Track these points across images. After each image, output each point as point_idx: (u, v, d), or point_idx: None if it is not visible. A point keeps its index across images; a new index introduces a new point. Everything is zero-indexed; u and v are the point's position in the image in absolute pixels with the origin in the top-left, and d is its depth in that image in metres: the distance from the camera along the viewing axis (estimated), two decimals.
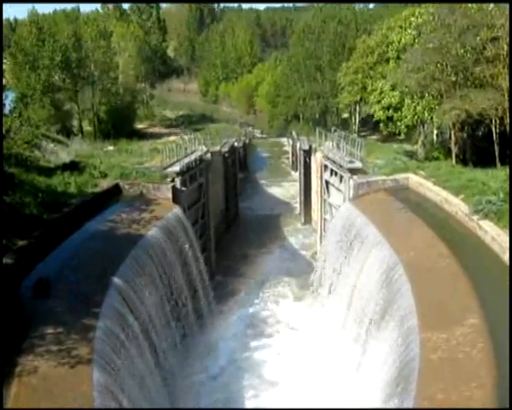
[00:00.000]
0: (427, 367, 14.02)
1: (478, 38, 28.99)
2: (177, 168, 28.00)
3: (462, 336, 15.00)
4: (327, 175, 32.58)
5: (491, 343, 14.47)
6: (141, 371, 17.29)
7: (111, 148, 42.78)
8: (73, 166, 28.34)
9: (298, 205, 43.81)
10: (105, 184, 27.09)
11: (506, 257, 18.65)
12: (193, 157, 30.80)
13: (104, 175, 28.01)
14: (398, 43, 41.62)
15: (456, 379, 13.41)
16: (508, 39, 27.50)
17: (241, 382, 23.14)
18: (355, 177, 28.00)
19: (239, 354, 25.20)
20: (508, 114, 28.27)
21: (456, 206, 23.62)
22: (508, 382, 12.35)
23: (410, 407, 12.78)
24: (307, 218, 40.82)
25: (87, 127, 60.45)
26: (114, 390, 14.34)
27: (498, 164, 29.00)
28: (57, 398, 12.81)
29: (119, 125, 60.09)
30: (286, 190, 50.84)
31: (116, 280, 18.37)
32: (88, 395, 13.14)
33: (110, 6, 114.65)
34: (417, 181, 27.81)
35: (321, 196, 33.94)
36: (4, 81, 21.28)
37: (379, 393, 16.32)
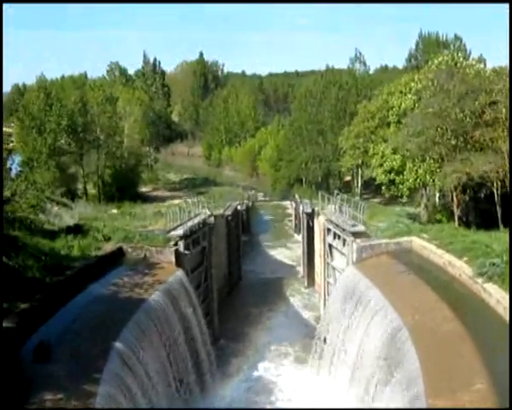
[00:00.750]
0: None
1: (476, 102, 29.57)
2: (180, 232, 28.11)
3: (469, 403, 14.70)
4: (330, 238, 32.61)
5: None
6: None
7: (115, 211, 43.00)
8: (77, 230, 28.43)
9: (301, 268, 43.65)
10: (108, 247, 27.14)
11: None
12: (196, 221, 30.95)
13: (107, 238, 28.09)
14: (399, 107, 42.43)
15: None
16: (507, 102, 28.00)
17: None
18: (358, 240, 28.02)
19: None
20: (509, 177, 28.51)
21: (460, 268, 23.54)
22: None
23: None
24: (310, 281, 40.60)
25: (91, 190, 61.00)
26: None
27: (501, 226, 29.05)
28: None
29: (123, 188, 60.66)
30: (289, 252, 50.74)
31: (118, 345, 18.19)
32: None
33: (116, 73, 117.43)
34: (420, 244, 27.79)
35: (324, 260, 33.86)
36: (11, 145, 21.61)
37: None
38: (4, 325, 16.92)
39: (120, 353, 17.98)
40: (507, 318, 18.80)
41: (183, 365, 24.00)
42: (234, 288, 41.40)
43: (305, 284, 41.23)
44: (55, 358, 16.63)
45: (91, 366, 16.67)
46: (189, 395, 23.94)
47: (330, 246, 32.67)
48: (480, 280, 21.73)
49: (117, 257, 26.60)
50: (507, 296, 19.81)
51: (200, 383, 25.68)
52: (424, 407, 14.86)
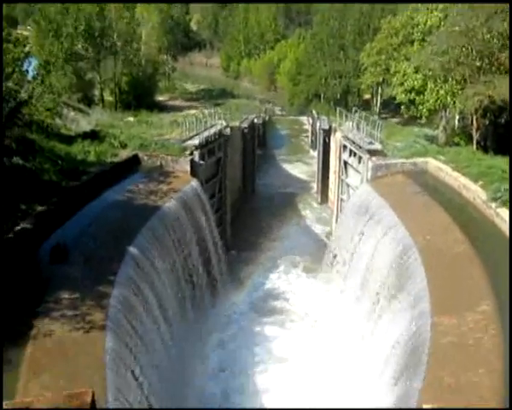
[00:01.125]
0: (437, 351, 14.08)
1: (505, 23, 28.49)
2: (196, 142, 28.09)
3: (473, 322, 15.01)
4: (345, 155, 32.46)
5: (503, 330, 14.47)
6: (153, 340, 17.53)
7: (131, 119, 42.84)
8: (94, 136, 28.48)
9: (315, 184, 43.74)
10: (124, 154, 27.24)
11: None
12: (212, 131, 30.84)
13: (124, 145, 28.15)
14: (424, 25, 40.99)
15: (465, 364, 13.46)
16: None
17: (250, 356, 23.39)
18: (374, 158, 27.88)
19: (249, 329, 25.46)
20: None
21: (475, 192, 23.46)
22: None
23: (419, 388, 12.83)
24: (324, 197, 40.79)
25: (108, 97, 60.55)
26: (126, 357, 14.59)
27: None
28: (71, 361, 13.08)
29: (139, 96, 60.14)
30: (304, 168, 50.72)
31: (132, 249, 18.58)
32: (100, 360, 13.40)
33: None
34: (436, 166, 27.61)
35: (338, 176, 33.86)
36: (28, 48, 21.34)
37: (389, 373, 16.43)
38: (22, 226, 17.29)
39: (134, 257, 18.39)
40: None
41: (195, 271, 24.55)
42: (247, 200, 41.72)
43: (319, 200, 41.45)
44: (71, 260, 17.08)
45: (106, 269, 17.12)
46: (199, 300, 24.63)
47: (345, 163, 32.58)
48: (493, 205, 21.70)
49: (133, 164, 26.74)
50: None
51: (212, 289, 26.38)
52: (429, 323, 15.19)
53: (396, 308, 18.73)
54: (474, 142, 31.05)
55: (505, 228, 20.22)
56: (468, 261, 18.19)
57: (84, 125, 33.01)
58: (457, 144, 32.19)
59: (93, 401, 10.81)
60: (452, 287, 16.86)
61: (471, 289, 16.61)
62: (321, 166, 40.88)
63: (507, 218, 20.47)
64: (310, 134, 59.47)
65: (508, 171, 24.08)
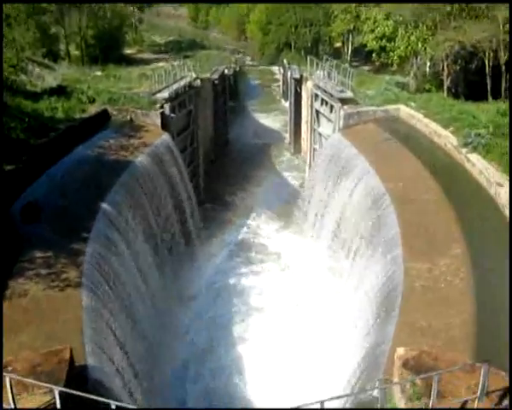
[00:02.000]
0: (410, 295, 14.36)
1: None
2: (165, 94, 27.68)
3: (445, 266, 15.31)
4: (317, 105, 32.32)
5: (473, 273, 14.81)
6: (129, 294, 17.56)
7: (99, 73, 41.80)
8: (60, 91, 27.84)
9: (288, 134, 43.60)
10: (93, 109, 26.73)
11: (493, 190, 18.87)
12: (182, 83, 30.39)
13: (92, 100, 27.60)
14: None
15: (437, 307, 13.76)
16: None
17: (228, 308, 23.64)
18: (345, 107, 27.81)
19: (226, 280, 25.68)
20: (502, 47, 27.93)
21: (446, 138, 23.65)
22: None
23: (392, 332, 13.10)
24: (297, 147, 40.72)
25: (74, 52, 58.86)
26: (103, 313, 14.60)
27: (490, 98, 28.86)
28: (48, 320, 13.04)
29: (106, 49, 58.55)
30: (276, 119, 50.43)
31: (105, 206, 18.43)
32: (77, 317, 13.39)
33: None
34: (408, 112, 27.70)
35: (311, 126, 33.76)
36: None
37: (362, 319, 16.73)
38: None
39: (107, 213, 18.26)
40: (489, 188, 19.20)
41: (170, 225, 24.51)
42: (220, 152, 41.46)
43: (292, 150, 41.39)
44: (43, 218, 16.88)
45: (79, 226, 16.99)
46: (175, 254, 24.67)
47: (317, 112, 32.46)
48: (464, 150, 21.92)
49: (102, 119, 26.29)
50: (490, 167, 20.11)
51: (187, 242, 26.39)
52: (402, 268, 15.44)
53: (369, 255, 18.96)
54: (445, 88, 31.16)
55: (476, 173, 20.49)
56: (440, 207, 18.44)
57: (51, 80, 32.16)
58: (428, 91, 32.24)
59: (71, 357, 10.85)
60: (424, 232, 17.11)
61: (443, 234, 16.90)
62: (293, 116, 40.68)
63: (477, 162, 20.72)
64: (281, 84, 58.90)
65: (479, 116, 24.30)
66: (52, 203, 18.00)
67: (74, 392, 8.16)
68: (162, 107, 27.11)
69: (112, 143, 23.81)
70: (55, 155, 21.08)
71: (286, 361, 20.10)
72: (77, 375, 10.83)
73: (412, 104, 28.54)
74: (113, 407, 7.66)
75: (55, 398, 8.20)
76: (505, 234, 16.35)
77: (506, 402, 9.08)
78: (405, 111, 27.88)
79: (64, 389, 8.45)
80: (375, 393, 10.36)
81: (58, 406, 8.08)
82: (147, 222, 21.79)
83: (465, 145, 22.02)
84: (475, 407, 8.84)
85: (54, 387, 8.27)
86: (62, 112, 25.06)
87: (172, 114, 27.56)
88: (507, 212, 17.45)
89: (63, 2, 52.32)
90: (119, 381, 13.44)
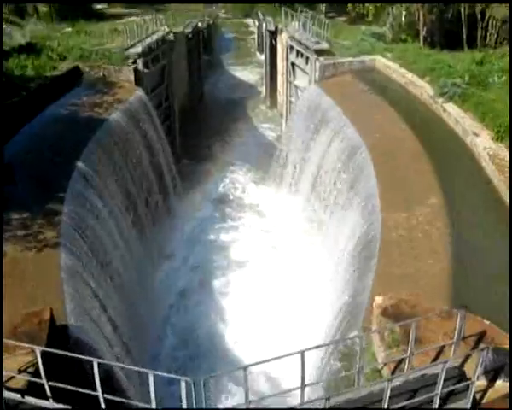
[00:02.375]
0: (388, 245, 14.50)
1: None
2: (138, 49, 27.13)
3: (422, 216, 15.45)
4: (293, 57, 31.96)
5: (450, 222, 14.97)
6: (109, 254, 17.51)
7: (69, 29, 40.74)
8: (30, 49, 27.17)
9: (263, 88, 43.20)
10: (64, 66, 26.13)
11: (469, 140, 18.99)
12: (155, 38, 29.78)
13: (63, 58, 26.98)
14: None
15: (414, 256, 13.92)
16: None
17: (208, 263, 23.75)
18: (321, 58, 27.52)
19: (205, 235, 25.74)
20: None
21: (422, 88, 23.64)
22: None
23: (371, 281, 13.28)
24: (273, 101, 40.42)
25: (42, 8, 57.23)
26: (82, 272, 14.55)
27: (466, 47, 28.78)
28: (27, 281, 12.93)
29: (76, 5, 57.04)
30: (251, 72, 49.90)
31: (80, 164, 18.19)
32: (56, 277, 13.32)
33: None
34: (384, 63, 27.56)
35: (286, 79, 33.46)
36: None
37: (341, 269, 16.93)
38: None
39: (83, 172, 18.04)
40: (465, 138, 19.32)
41: (147, 182, 24.35)
42: (195, 108, 40.96)
43: (268, 103, 41.10)
44: (17, 179, 16.60)
45: (55, 186, 16.78)
46: (153, 211, 24.58)
47: (293, 64, 32.12)
48: (440, 100, 21.95)
49: (74, 77, 25.74)
50: (465, 116, 20.21)
51: (164, 199, 26.27)
52: (379, 218, 15.56)
53: (347, 207, 19.08)
54: (421, 38, 30.95)
55: (452, 123, 20.57)
56: (417, 157, 18.52)
57: (19, 38, 31.25)
58: (405, 41, 32.02)
59: (52, 318, 10.83)
60: (402, 183, 17.21)
61: (420, 185, 16.99)
62: (268, 69, 40.26)
63: (453, 112, 20.79)
64: (256, 37, 58.07)
65: (455, 66, 24.28)
66: (26, 164, 17.68)
67: (56, 351, 8.16)
68: (135, 62, 26.59)
69: (85, 100, 23.44)
70: (26, 115, 20.65)
71: (267, 313, 20.35)
72: (58, 335, 10.84)
73: (388, 55, 28.38)
74: (96, 364, 7.68)
75: (36, 358, 8.18)
76: (481, 183, 16.58)
77: (482, 345, 9.29)
78: (381, 62, 27.73)
79: (46, 349, 8.44)
80: (355, 342, 10.54)
81: (40, 366, 8.08)
82: (123, 180, 21.58)
83: (441, 95, 22.04)
84: (452, 351, 9.05)
85: (35, 347, 8.25)
86: (32, 70, 24.49)
87: (146, 70, 27.09)
88: (482, 161, 17.62)
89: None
90: (101, 339, 13.48)
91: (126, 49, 27.24)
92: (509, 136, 17.43)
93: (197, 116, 39.52)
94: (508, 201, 15.18)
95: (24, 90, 22.17)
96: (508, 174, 16.04)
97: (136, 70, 26.17)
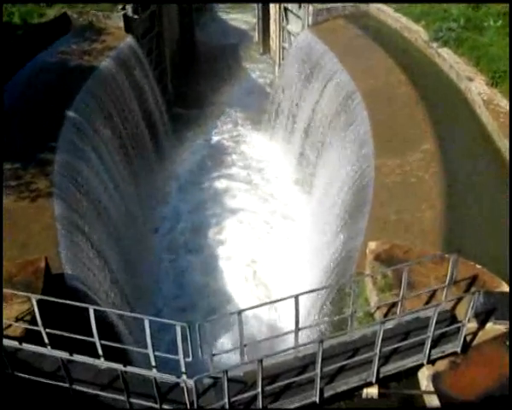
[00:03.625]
0: (382, 191, 14.55)
1: None
2: None
3: (415, 162, 15.45)
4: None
5: (443, 168, 14.98)
6: (102, 201, 17.51)
7: None
8: None
9: (256, 34, 42.45)
10: (52, 13, 25.51)
11: (463, 85, 18.81)
12: None
13: (50, 4, 26.30)
14: None
15: (408, 202, 13.99)
16: None
17: (203, 211, 23.84)
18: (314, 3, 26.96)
19: (198, 183, 25.76)
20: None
21: (416, 33, 23.28)
22: None
23: (365, 226, 13.36)
24: (265, 47, 39.77)
25: None
26: (76, 221, 14.58)
27: None
28: (21, 231, 12.97)
29: None
30: (243, 18, 48.92)
31: (71, 114, 18.01)
32: (51, 226, 13.36)
33: None
34: (378, 7, 26.99)
35: (279, 24, 32.83)
36: None
37: (335, 215, 17.01)
38: None
39: (74, 120, 17.88)
40: (459, 83, 19.13)
41: (138, 130, 24.16)
42: (187, 54, 40.26)
43: (260, 49, 40.43)
44: (8, 128, 16.45)
45: (46, 135, 16.64)
46: (146, 160, 24.48)
47: (286, 9, 31.46)
48: (435, 45, 21.66)
49: (62, 24, 25.15)
50: (460, 61, 19.99)
51: (157, 148, 26.10)
52: (373, 164, 15.56)
53: (340, 153, 19.02)
54: None
55: (446, 68, 20.33)
56: (411, 103, 18.38)
57: None
58: None
59: (47, 267, 10.89)
60: (395, 129, 17.13)
61: (413, 130, 16.93)
62: (261, 14, 39.44)
63: (448, 57, 20.55)
64: None
65: (450, 9, 23.86)
66: (17, 113, 17.50)
67: (52, 299, 8.22)
68: (124, 8, 25.97)
69: (74, 48, 23.00)
70: (15, 64, 20.28)
71: (261, 260, 20.57)
72: (54, 283, 10.91)
73: None
74: (92, 311, 7.76)
75: (33, 306, 8.25)
76: (475, 128, 16.54)
77: (473, 289, 9.42)
78: (375, 6, 27.18)
79: (42, 297, 8.51)
80: (348, 286, 10.69)
81: (37, 313, 8.16)
82: (115, 128, 21.40)
83: (436, 40, 21.72)
84: (444, 295, 9.17)
85: (31, 295, 8.31)
86: (19, 17, 23.88)
87: (136, 16, 26.47)
88: (477, 106, 17.52)
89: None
90: (97, 287, 13.60)
91: None
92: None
93: (189, 63, 38.92)
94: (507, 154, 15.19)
95: (11, 39, 21.69)
96: (503, 119, 16.01)
97: (125, 16, 25.55)
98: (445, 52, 20.96)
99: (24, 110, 17.82)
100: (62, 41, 23.72)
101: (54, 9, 25.88)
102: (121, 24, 25.40)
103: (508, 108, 16.60)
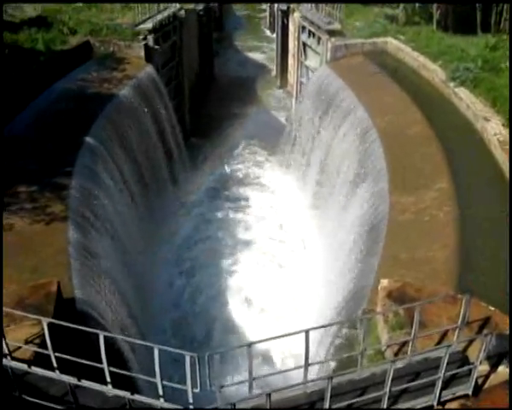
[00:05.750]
0: (395, 228, 14.49)
1: None
2: (149, 25, 26.97)
3: (430, 200, 15.41)
4: (304, 37, 31.72)
5: (458, 207, 14.90)
6: (115, 228, 17.57)
7: (80, 4, 40.61)
8: (40, 22, 27.02)
9: (274, 67, 42.94)
10: (74, 41, 26.04)
11: (479, 125, 18.83)
12: (166, 14, 29.57)
13: (73, 32, 26.86)
14: None
15: (420, 240, 13.91)
16: None
17: (214, 241, 23.85)
18: (333, 39, 27.29)
19: (213, 213, 25.82)
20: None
21: (434, 72, 23.42)
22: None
23: (376, 265, 13.28)
24: (283, 81, 40.18)
25: None
26: (90, 246, 14.62)
27: (479, 31, 28.43)
28: (34, 254, 13.02)
29: None
30: (262, 52, 49.58)
31: (88, 140, 18.21)
32: (64, 250, 13.40)
33: None
34: (396, 45, 27.28)
35: (297, 59, 33.23)
36: None
37: (347, 251, 16.94)
38: None
39: (91, 147, 18.07)
40: (475, 123, 19.15)
41: (155, 158, 24.34)
42: (206, 86, 40.79)
43: (278, 83, 40.86)
44: (25, 152, 16.67)
45: (63, 160, 16.83)
46: (161, 188, 24.61)
47: (304, 45, 31.89)
48: (452, 84, 21.76)
49: (84, 51, 25.65)
50: (477, 101, 20.05)
51: (172, 177, 26.28)
52: (387, 201, 15.53)
53: (355, 189, 19.02)
54: (434, 21, 30.57)
55: (463, 107, 20.38)
56: (427, 141, 18.41)
57: (30, 11, 31.12)
58: (417, 24, 31.67)
59: (59, 290, 10.91)
60: (411, 166, 17.12)
61: (429, 168, 16.91)
62: (279, 48, 39.97)
63: (464, 97, 20.62)
64: (268, 16, 57.61)
65: (468, 50, 24.01)
66: (35, 138, 17.74)
67: (63, 323, 8.22)
68: (146, 38, 26.47)
69: (95, 75, 23.40)
70: (36, 89, 20.64)
71: (273, 292, 20.47)
72: (65, 308, 10.92)
73: (401, 37, 28.08)
74: (102, 337, 7.74)
75: (43, 330, 8.25)
76: (490, 169, 16.48)
77: (485, 331, 9.30)
78: (394, 44, 27.45)
79: (52, 320, 8.50)
80: (359, 323, 10.58)
81: (47, 337, 8.15)
82: (131, 156, 21.59)
83: (453, 79, 21.84)
84: (455, 335, 9.06)
85: (42, 318, 8.31)
86: (42, 44, 24.36)
87: (156, 46, 26.95)
88: (492, 147, 17.50)
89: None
90: (109, 313, 13.57)
91: (137, 25, 27.07)
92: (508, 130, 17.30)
93: (207, 94, 39.38)
94: None
95: (34, 64, 22.11)
96: None
97: (146, 46, 26.06)
98: (462, 92, 21.04)
99: (42, 135, 18.05)
100: (83, 68, 24.13)
101: (76, 37, 26.42)
102: (142, 53, 25.86)
103: None
